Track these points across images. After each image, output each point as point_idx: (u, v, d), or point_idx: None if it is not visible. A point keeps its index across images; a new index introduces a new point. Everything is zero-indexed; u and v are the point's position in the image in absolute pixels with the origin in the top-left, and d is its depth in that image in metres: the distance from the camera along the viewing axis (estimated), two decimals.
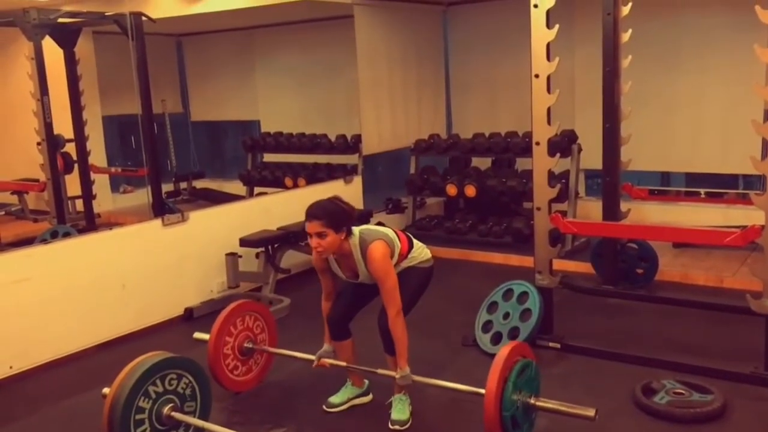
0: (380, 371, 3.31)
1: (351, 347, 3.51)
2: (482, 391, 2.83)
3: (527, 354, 3.05)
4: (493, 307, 4.30)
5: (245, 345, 3.68)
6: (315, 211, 3.13)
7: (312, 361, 3.50)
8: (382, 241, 3.21)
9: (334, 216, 3.13)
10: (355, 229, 3.25)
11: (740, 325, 4.13)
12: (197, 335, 3.73)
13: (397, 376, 3.22)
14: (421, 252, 3.45)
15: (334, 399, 3.54)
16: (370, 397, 3.61)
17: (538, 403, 2.93)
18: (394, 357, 3.28)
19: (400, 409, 3.36)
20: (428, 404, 3.52)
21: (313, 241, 3.13)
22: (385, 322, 3.22)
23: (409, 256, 3.37)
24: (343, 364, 3.46)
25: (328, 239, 3.12)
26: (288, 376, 3.94)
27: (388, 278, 3.17)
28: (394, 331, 3.18)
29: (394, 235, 3.34)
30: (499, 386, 2.79)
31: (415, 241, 3.46)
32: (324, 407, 3.52)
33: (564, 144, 5.99)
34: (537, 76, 3.86)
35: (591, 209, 6.55)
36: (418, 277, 3.40)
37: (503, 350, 2.91)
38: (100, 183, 6.81)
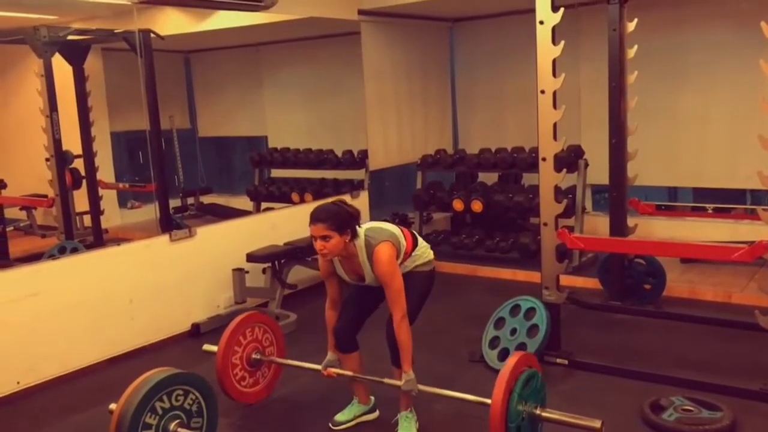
0: (387, 381, 3.29)
1: (358, 360, 3.49)
2: (488, 401, 2.81)
3: (533, 364, 3.03)
4: (500, 322, 4.29)
5: (253, 356, 3.67)
6: (319, 214, 3.12)
7: (319, 371, 3.47)
8: (389, 243, 3.19)
9: (338, 218, 3.12)
10: (361, 230, 3.22)
11: (749, 341, 4.12)
12: (206, 347, 3.72)
13: (402, 382, 3.19)
14: (425, 252, 3.42)
15: (340, 417, 3.52)
16: (376, 414, 3.59)
17: (543, 414, 2.91)
18: (401, 369, 3.26)
19: (407, 427, 3.35)
20: (434, 421, 3.51)
21: (318, 244, 3.12)
22: (392, 333, 3.20)
23: (414, 254, 3.34)
24: (350, 373, 3.44)
25: (332, 242, 3.11)
26: (294, 392, 3.93)
27: (394, 281, 3.15)
28: (398, 335, 3.16)
29: (400, 232, 3.32)
30: (505, 396, 2.76)
31: (419, 239, 3.43)
32: (330, 425, 3.50)
33: (570, 159, 6.00)
34: (543, 92, 3.87)
35: (598, 224, 6.54)
36: (421, 282, 3.36)
37: (510, 360, 2.90)
38: (108, 198, 6.83)
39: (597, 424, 2.78)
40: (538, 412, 2.90)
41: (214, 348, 3.62)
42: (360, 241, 3.20)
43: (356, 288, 3.44)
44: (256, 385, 3.74)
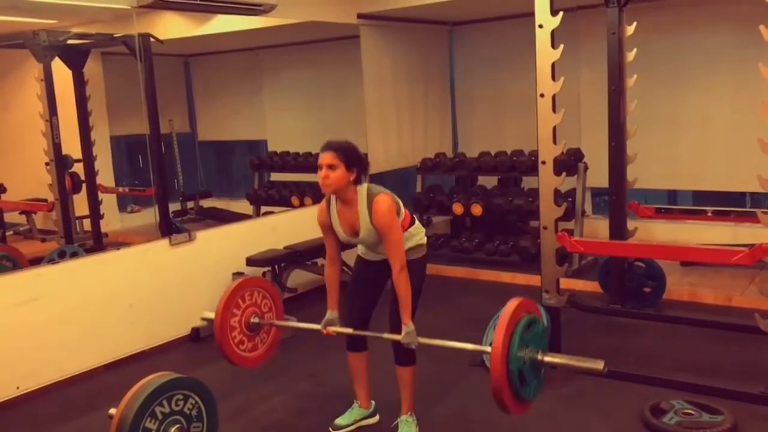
0: (386, 335, 3.22)
1: (366, 359, 3.49)
2: (488, 349, 2.77)
3: (533, 310, 3.00)
4: None
5: (252, 320, 3.59)
6: (332, 143, 3.13)
7: (319, 331, 3.39)
8: (390, 197, 3.18)
9: (350, 153, 3.12)
10: (364, 184, 3.21)
11: (749, 344, 4.11)
12: (205, 314, 3.65)
13: (402, 334, 3.14)
14: (419, 232, 3.37)
15: (340, 421, 3.52)
16: (376, 418, 3.59)
17: (546, 359, 2.84)
18: (402, 367, 3.27)
19: (407, 431, 3.34)
20: (434, 426, 3.50)
21: (322, 173, 3.09)
22: (396, 322, 3.17)
23: (409, 231, 3.29)
24: (349, 330, 3.36)
25: (337, 172, 3.08)
26: (294, 396, 3.93)
27: (394, 230, 3.13)
28: (397, 286, 3.14)
29: (401, 204, 3.29)
30: (506, 342, 2.71)
31: (416, 221, 3.39)
32: (330, 429, 3.50)
33: (570, 163, 6.00)
34: (542, 95, 3.87)
35: (598, 228, 6.54)
36: (415, 271, 3.28)
37: (509, 305, 2.81)
38: (108, 203, 6.83)
39: (599, 365, 2.74)
40: (539, 357, 2.83)
41: (212, 315, 3.55)
42: (362, 189, 3.17)
43: (355, 290, 3.44)
44: (255, 350, 3.64)
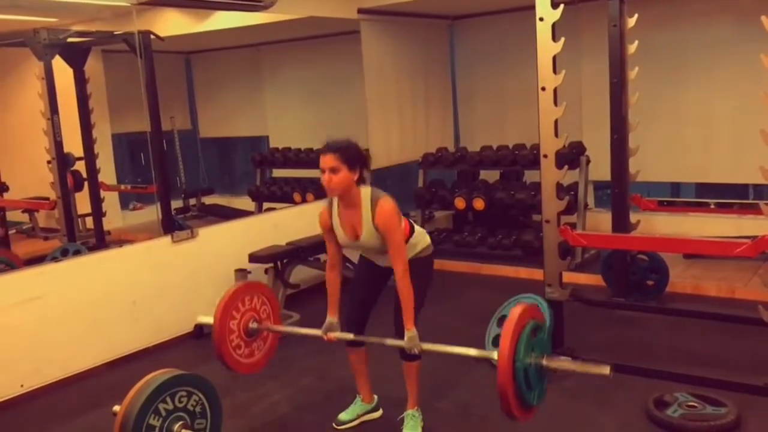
0: (389, 341, 3.20)
1: (365, 354, 3.49)
2: (494, 355, 2.78)
3: (538, 316, 2.98)
4: (503, 320, 4.28)
5: (250, 325, 3.58)
6: (332, 144, 3.09)
7: (319, 337, 3.37)
8: (393, 202, 3.16)
9: (351, 153, 3.09)
10: (367, 186, 3.19)
11: (753, 336, 4.11)
12: (201, 318, 3.65)
13: (404, 339, 3.13)
14: (422, 238, 3.36)
15: (343, 415, 3.53)
16: (380, 412, 3.60)
17: (551, 364, 2.84)
18: (408, 362, 3.27)
19: (412, 426, 3.35)
20: (439, 420, 3.50)
21: (326, 176, 3.07)
22: (400, 321, 3.16)
23: (410, 242, 3.27)
24: (350, 335, 3.34)
25: (340, 175, 3.06)
26: (298, 392, 3.94)
27: (397, 232, 3.11)
28: (401, 289, 3.11)
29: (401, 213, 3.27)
30: (512, 347, 2.70)
31: (415, 226, 3.37)
32: (334, 424, 3.50)
33: (572, 156, 5.99)
34: (544, 88, 3.86)
35: (600, 221, 6.53)
36: (421, 268, 3.29)
37: (514, 311, 2.81)
38: (110, 200, 6.84)
39: (606, 370, 2.73)
40: (545, 362, 2.83)
41: (209, 319, 3.53)
42: (366, 191, 3.15)
43: (356, 286, 3.44)
44: (251, 356, 3.63)
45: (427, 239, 3.41)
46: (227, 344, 3.51)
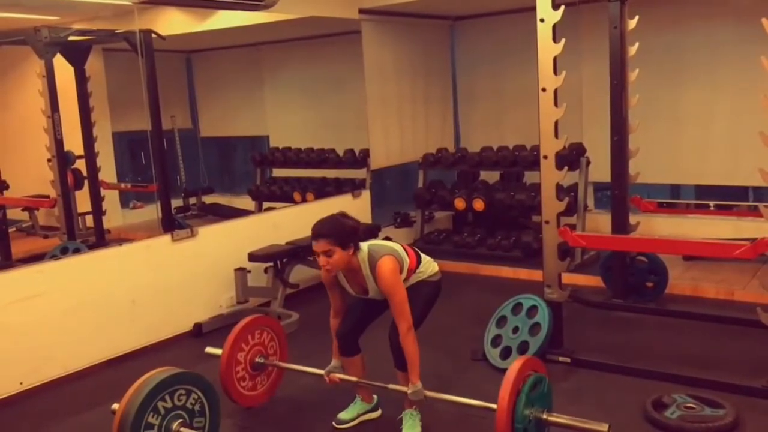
0: (391, 386, 3.28)
1: (361, 363, 3.50)
2: (494, 406, 2.81)
3: (539, 369, 3.04)
4: (502, 321, 4.29)
5: (257, 360, 3.68)
6: (320, 230, 3.11)
7: (322, 375, 3.47)
8: (391, 257, 3.20)
9: (340, 233, 3.11)
10: (364, 245, 3.23)
11: (751, 338, 4.11)
12: (209, 350, 3.72)
13: (409, 392, 3.19)
14: (429, 266, 3.44)
15: (343, 415, 3.53)
16: (379, 412, 3.60)
17: (550, 419, 2.91)
18: (404, 372, 3.27)
19: (411, 425, 3.35)
20: (438, 419, 3.51)
21: (321, 260, 3.12)
22: (395, 337, 3.20)
23: (418, 271, 3.36)
24: (354, 378, 3.44)
25: (335, 257, 3.10)
26: (297, 391, 3.94)
27: (397, 293, 3.16)
28: (405, 347, 3.16)
29: (403, 250, 3.33)
30: (511, 401, 2.77)
31: (423, 255, 3.45)
32: (333, 423, 3.51)
33: (572, 157, 5.99)
34: (544, 89, 3.87)
35: (600, 222, 6.53)
36: (426, 291, 3.39)
37: (515, 364, 2.89)
38: (110, 199, 6.83)
39: (604, 428, 2.78)
40: (545, 416, 2.89)
41: (217, 351, 3.62)
42: (363, 255, 3.20)
43: (356, 304, 3.45)
44: (254, 389, 3.73)
45: (435, 267, 3.47)
46: (232, 375, 3.58)
